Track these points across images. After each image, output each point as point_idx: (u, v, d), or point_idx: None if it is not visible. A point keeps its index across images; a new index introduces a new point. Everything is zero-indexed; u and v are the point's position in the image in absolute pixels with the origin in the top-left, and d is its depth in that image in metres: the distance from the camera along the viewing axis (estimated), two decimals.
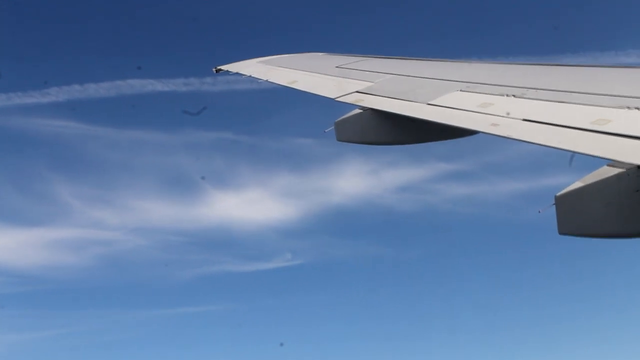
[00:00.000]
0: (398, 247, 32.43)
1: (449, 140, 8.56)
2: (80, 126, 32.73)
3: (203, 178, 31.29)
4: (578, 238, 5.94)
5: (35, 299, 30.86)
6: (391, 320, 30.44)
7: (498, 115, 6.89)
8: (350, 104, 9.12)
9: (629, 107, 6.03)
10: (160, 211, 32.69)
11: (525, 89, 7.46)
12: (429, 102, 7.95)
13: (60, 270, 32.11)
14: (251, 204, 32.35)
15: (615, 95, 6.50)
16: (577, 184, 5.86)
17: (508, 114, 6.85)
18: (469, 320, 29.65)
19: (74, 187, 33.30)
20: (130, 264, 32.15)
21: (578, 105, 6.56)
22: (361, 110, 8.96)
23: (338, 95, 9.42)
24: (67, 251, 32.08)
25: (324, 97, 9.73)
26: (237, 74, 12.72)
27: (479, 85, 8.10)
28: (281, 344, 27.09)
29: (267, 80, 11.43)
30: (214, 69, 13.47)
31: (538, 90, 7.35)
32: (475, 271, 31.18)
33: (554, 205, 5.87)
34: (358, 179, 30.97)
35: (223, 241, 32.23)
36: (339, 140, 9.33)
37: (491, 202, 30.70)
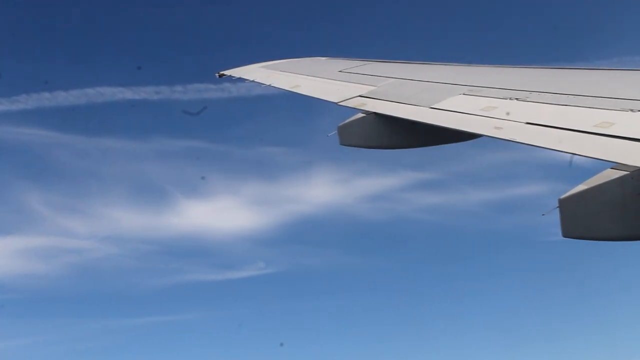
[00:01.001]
0: (368, 256, 32.39)
1: (452, 144, 8.57)
2: (49, 134, 32.45)
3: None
4: (580, 240, 5.94)
5: (5, 307, 30.16)
6: (362, 329, 30.37)
7: (501, 119, 6.89)
8: (353, 108, 9.12)
9: (632, 110, 6.03)
10: (131, 220, 32.41)
11: (529, 92, 7.46)
12: (432, 106, 7.95)
13: (31, 279, 31.61)
14: (221, 212, 32.15)
15: (618, 98, 6.50)
16: (581, 187, 5.86)
17: (511, 117, 6.85)
18: (440, 328, 29.66)
19: (43, 196, 32.87)
20: (102, 273, 31.89)
21: (581, 108, 6.55)
22: (364, 115, 8.97)
23: (341, 100, 9.43)
24: (37, 260, 31.68)
25: (327, 101, 9.74)
26: (240, 79, 12.75)
27: (482, 88, 8.10)
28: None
29: (270, 85, 11.45)
30: (217, 74, 13.49)
31: (541, 94, 7.35)
32: (445, 280, 31.21)
33: (558, 209, 5.86)
34: (328, 188, 30.87)
35: (194, 250, 32.12)
36: (343, 144, 9.33)
37: (462, 211, 30.86)
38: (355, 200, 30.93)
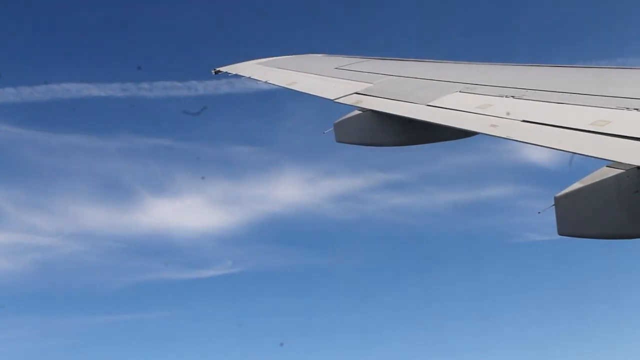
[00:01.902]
0: (335, 256, 32.37)
1: (448, 142, 8.58)
2: (13, 130, 31.89)
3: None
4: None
5: None
6: (329, 330, 30.29)
7: (497, 117, 6.89)
8: (349, 105, 9.12)
9: (628, 108, 6.04)
10: (97, 217, 32.06)
11: (525, 90, 7.47)
12: (429, 103, 7.95)
13: None
14: (188, 211, 32.00)
15: (614, 97, 6.51)
16: (577, 185, 5.87)
17: (508, 114, 6.85)
18: (406, 329, 29.69)
19: (7, 192, 32.11)
20: (67, 270, 31.42)
21: (577, 106, 6.56)
22: (360, 112, 8.97)
23: (337, 97, 9.42)
24: (1, 257, 31.17)
25: (323, 98, 9.74)
26: (236, 75, 12.73)
27: (479, 86, 8.10)
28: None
29: (266, 82, 11.43)
30: (213, 71, 13.47)
31: (537, 91, 7.36)
32: (412, 281, 31.26)
33: (554, 206, 5.87)
34: (295, 188, 30.91)
35: (161, 248, 31.62)
36: (339, 141, 9.33)
37: (429, 213, 30.88)
38: (322, 200, 31.04)
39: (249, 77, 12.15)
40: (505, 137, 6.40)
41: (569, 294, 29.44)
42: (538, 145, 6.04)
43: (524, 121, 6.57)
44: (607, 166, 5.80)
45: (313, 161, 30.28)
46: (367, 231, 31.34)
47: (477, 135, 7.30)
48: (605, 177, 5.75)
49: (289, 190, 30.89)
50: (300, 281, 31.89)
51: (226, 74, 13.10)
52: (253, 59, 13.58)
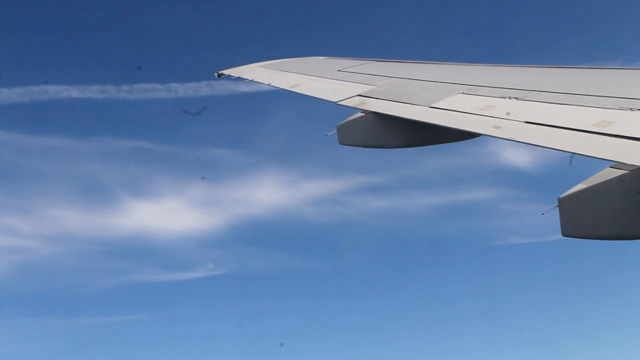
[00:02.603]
0: (315, 259, 32.41)
1: (451, 143, 8.57)
2: None
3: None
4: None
5: None
6: (311, 333, 30.54)
7: (500, 118, 6.89)
8: (352, 107, 9.12)
9: (631, 109, 6.03)
10: (76, 219, 32.05)
11: (528, 91, 7.46)
12: (431, 105, 7.95)
13: None
14: (168, 213, 31.96)
15: (617, 97, 6.50)
16: (580, 186, 5.85)
17: (510, 116, 6.85)
18: (387, 332, 29.68)
19: None
20: (47, 272, 31.31)
21: (580, 107, 6.55)
22: (363, 114, 8.96)
23: (340, 99, 9.42)
24: None
25: (326, 100, 9.74)
26: (239, 78, 12.75)
27: (481, 87, 8.10)
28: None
29: (269, 85, 11.45)
30: (215, 74, 13.49)
31: (540, 92, 7.35)
32: (393, 284, 31.24)
33: (557, 208, 5.86)
34: (276, 190, 30.94)
35: (141, 250, 31.70)
36: (342, 144, 9.33)
37: (409, 216, 30.89)
38: (303, 202, 31.08)
39: (252, 80, 12.17)
40: (508, 138, 6.39)
41: (560, 296, 29.50)
42: (541, 146, 6.03)
43: (526, 122, 6.56)
44: (610, 167, 5.78)
45: (293, 164, 30.44)
46: (348, 234, 31.47)
47: (480, 137, 7.30)
48: (608, 178, 5.74)
49: (270, 193, 31.06)
50: (282, 283, 31.96)
51: (229, 77, 13.13)
52: (245, 60, 13.66)
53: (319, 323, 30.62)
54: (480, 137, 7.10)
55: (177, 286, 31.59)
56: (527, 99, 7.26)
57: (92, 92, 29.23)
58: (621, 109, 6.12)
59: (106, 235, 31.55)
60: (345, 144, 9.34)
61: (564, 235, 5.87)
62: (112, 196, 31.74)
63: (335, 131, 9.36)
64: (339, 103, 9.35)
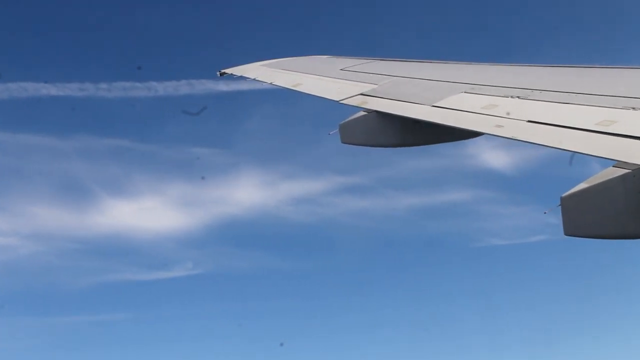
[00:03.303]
0: (294, 259, 32.43)
1: (453, 142, 8.57)
2: None
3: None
4: (583, 239, 5.94)
5: None
6: (290, 332, 30.33)
7: (503, 117, 6.89)
8: (354, 106, 9.12)
9: (634, 108, 6.02)
10: (55, 218, 31.93)
11: (530, 90, 7.46)
12: (434, 104, 7.95)
13: None
14: (147, 212, 31.82)
15: (620, 96, 6.49)
16: (583, 185, 5.85)
17: (513, 115, 6.84)
18: (365, 333, 29.64)
19: None
20: (26, 271, 31.29)
21: (583, 106, 6.55)
22: (365, 113, 8.97)
23: (342, 98, 9.42)
24: None
25: (328, 99, 9.74)
26: (241, 77, 12.75)
27: (484, 86, 8.09)
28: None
29: (271, 84, 11.45)
30: (218, 73, 13.49)
31: (543, 92, 7.34)
32: (372, 285, 31.21)
33: (560, 207, 5.86)
34: (255, 190, 30.90)
35: (120, 249, 31.65)
36: (344, 142, 9.33)
37: (388, 216, 30.90)
38: (282, 202, 31.03)
39: (254, 79, 12.17)
40: (510, 137, 6.39)
41: (542, 296, 29.50)
42: (544, 145, 6.03)
43: (529, 121, 6.56)
44: (613, 166, 5.78)
45: (273, 163, 30.46)
46: (327, 234, 31.52)
47: (482, 136, 7.30)
48: (611, 177, 5.74)
49: (249, 193, 30.99)
50: (261, 283, 31.93)
51: (231, 76, 13.12)
52: (245, 60, 13.62)
53: (298, 323, 30.67)
54: (483, 136, 7.10)
55: (156, 285, 31.65)
56: (529, 98, 7.26)
57: (70, 89, 29.18)
58: (624, 108, 6.12)
59: (85, 234, 31.61)
60: (347, 143, 9.34)
61: (566, 234, 5.87)
62: (91, 195, 31.68)
63: (337, 130, 9.36)
64: (341, 102, 9.35)
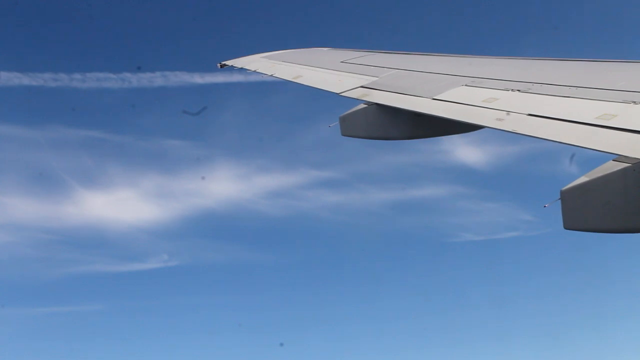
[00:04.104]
0: (269, 251, 32.47)
1: (453, 135, 8.58)
2: None
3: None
4: (583, 232, 5.95)
5: None
6: (263, 325, 30.47)
7: (503, 110, 6.89)
8: (355, 98, 9.12)
9: (634, 102, 6.03)
10: (27, 208, 31.69)
11: (531, 84, 7.46)
12: (434, 97, 7.95)
13: None
14: (121, 204, 31.87)
15: (621, 90, 6.50)
16: (583, 179, 5.87)
17: (513, 108, 6.85)
18: (339, 326, 29.79)
19: None
20: None
21: (583, 100, 6.55)
22: (366, 105, 8.97)
23: (343, 90, 9.42)
24: None
25: (328, 91, 9.74)
26: (242, 69, 12.74)
27: (484, 80, 8.09)
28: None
29: (272, 75, 11.43)
30: (218, 64, 13.48)
31: (543, 85, 7.35)
32: (346, 278, 31.29)
33: (560, 200, 5.87)
34: (229, 183, 30.88)
35: (94, 240, 31.66)
36: (344, 135, 9.33)
37: (363, 211, 31.00)
38: (256, 196, 31.06)
39: (255, 71, 12.15)
40: (511, 130, 6.40)
41: (519, 291, 29.62)
42: (544, 139, 6.04)
43: (529, 115, 6.57)
44: (613, 160, 5.80)
45: (246, 157, 30.47)
46: (302, 228, 31.55)
47: (482, 129, 7.30)
48: (611, 171, 5.75)
49: (223, 185, 30.97)
50: (236, 276, 31.97)
51: (232, 67, 13.11)
52: (245, 51, 13.61)
53: (271, 315, 30.69)
54: (484, 129, 7.11)
55: (131, 277, 31.61)
56: (530, 91, 7.26)
57: (44, 79, 29.04)
58: (624, 102, 6.12)
59: (58, 225, 31.42)
60: (347, 136, 9.34)
61: (566, 227, 5.89)
62: (65, 186, 31.55)
63: (337, 122, 9.36)
64: (341, 94, 9.35)
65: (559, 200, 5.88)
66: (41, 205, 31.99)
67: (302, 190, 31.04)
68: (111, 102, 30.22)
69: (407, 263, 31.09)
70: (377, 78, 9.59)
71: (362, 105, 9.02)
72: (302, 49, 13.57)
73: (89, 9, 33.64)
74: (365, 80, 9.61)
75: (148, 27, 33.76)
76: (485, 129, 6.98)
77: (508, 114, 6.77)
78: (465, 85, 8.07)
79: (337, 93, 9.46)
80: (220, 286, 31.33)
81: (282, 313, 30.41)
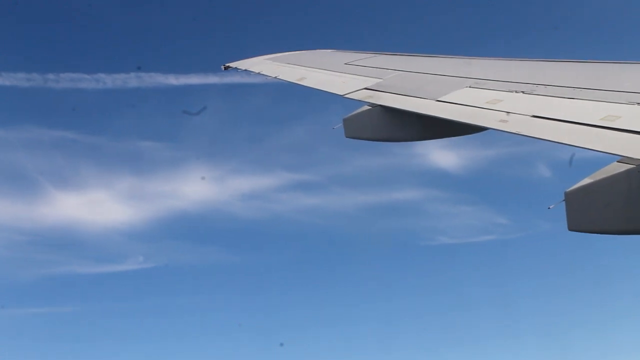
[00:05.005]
0: (244, 253, 32.42)
1: (457, 137, 8.58)
2: None
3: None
4: (587, 234, 5.94)
5: None
6: (236, 327, 30.43)
7: (507, 112, 6.89)
8: (359, 100, 9.13)
9: (638, 103, 6.02)
10: (0, 209, 31.59)
11: (534, 85, 7.46)
12: (438, 99, 7.96)
13: None
14: (95, 205, 31.79)
15: (624, 92, 6.49)
16: (587, 181, 5.86)
17: (517, 110, 6.85)
18: (313, 329, 29.83)
19: None
20: None
21: (587, 102, 6.55)
22: (370, 107, 8.97)
23: (347, 92, 9.43)
24: None
25: (332, 93, 9.75)
26: (245, 71, 12.76)
27: (488, 81, 8.10)
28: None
29: (276, 77, 11.45)
30: (222, 66, 13.50)
31: (547, 87, 7.34)
32: (322, 281, 31.27)
33: (564, 202, 5.86)
34: (203, 185, 30.83)
35: (68, 242, 31.46)
36: (348, 137, 9.34)
37: (338, 214, 31.01)
38: (231, 198, 31.12)
39: (259, 73, 12.18)
40: (515, 132, 6.40)
41: (494, 295, 29.54)
42: (548, 140, 6.04)
43: (533, 116, 6.56)
44: (617, 161, 5.79)
45: (220, 159, 30.42)
46: (276, 231, 31.58)
47: (487, 131, 7.30)
48: (615, 172, 5.74)
49: (197, 187, 30.96)
50: (211, 278, 31.95)
51: (236, 69, 13.14)
52: (246, 54, 13.63)
53: (246, 317, 30.66)
54: (488, 130, 7.11)
55: (106, 278, 31.55)
56: (534, 93, 7.26)
57: (17, 79, 29.02)
58: (629, 103, 6.12)
59: (31, 226, 31.37)
60: (351, 137, 9.35)
61: (570, 229, 5.88)
62: (38, 186, 31.46)
63: (341, 124, 9.37)
64: (346, 96, 9.36)
65: (563, 202, 5.88)
66: (14, 205, 31.96)
67: (276, 192, 31.23)
68: (84, 103, 30.22)
69: (382, 266, 31.09)
70: (381, 80, 9.59)
71: (366, 107, 9.03)
72: (306, 51, 13.59)
73: (66, 8, 33.80)
74: (370, 82, 9.62)
75: (134, 28, 33.74)
76: (490, 130, 6.98)
77: (512, 115, 6.77)
78: (469, 86, 8.07)
79: (341, 95, 9.47)
80: (197, 288, 31.47)
81: (254, 314, 30.58)
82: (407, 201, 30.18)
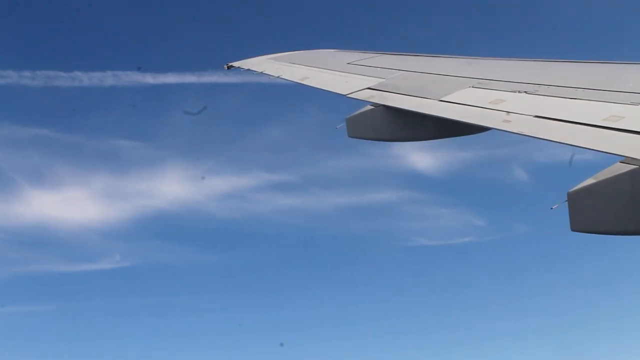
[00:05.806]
0: (220, 253, 32.39)
1: (460, 137, 8.57)
2: None
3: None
4: (589, 234, 5.94)
5: None
6: (212, 328, 30.48)
7: (510, 112, 6.88)
8: (361, 100, 9.13)
9: None
10: None
11: (538, 86, 7.45)
12: (441, 99, 7.95)
13: None
14: (70, 203, 31.65)
15: (628, 92, 6.48)
16: (590, 181, 5.85)
17: (520, 110, 6.84)
18: (291, 330, 29.82)
19: None
20: None
21: (591, 102, 6.54)
22: (373, 107, 8.97)
23: (349, 92, 9.43)
24: None
25: (335, 93, 9.75)
26: (248, 70, 12.77)
27: (491, 81, 8.09)
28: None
29: (279, 77, 11.46)
30: (225, 66, 13.51)
31: (550, 87, 7.34)
32: (299, 282, 31.27)
33: (567, 202, 5.86)
34: (180, 184, 30.87)
35: (43, 240, 31.32)
36: (350, 136, 9.34)
37: (316, 215, 30.95)
38: (207, 197, 31.01)
39: (262, 73, 12.18)
40: (517, 132, 6.39)
41: (474, 296, 29.51)
42: (551, 141, 6.03)
43: (536, 117, 6.56)
44: (620, 162, 5.78)
45: (197, 158, 30.35)
46: (253, 231, 31.58)
47: (489, 131, 7.30)
48: (618, 172, 5.73)
49: (174, 187, 31.01)
50: (188, 277, 31.99)
51: (239, 69, 13.15)
52: (247, 53, 13.63)
53: (222, 318, 30.69)
54: (491, 130, 7.10)
55: (82, 277, 31.54)
56: (537, 93, 7.25)
57: None
58: (632, 103, 6.11)
59: (6, 224, 31.20)
60: (354, 137, 9.34)
61: (573, 230, 5.87)
62: (13, 184, 31.30)
63: (344, 124, 9.37)
64: (348, 96, 9.36)
65: (566, 203, 5.87)
66: None
67: (253, 192, 31.24)
68: (61, 101, 30.16)
69: (360, 266, 31.08)
70: (384, 80, 9.59)
71: (369, 107, 9.03)
72: (309, 51, 13.59)
73: (39, 5, 33.52)
74: (372, 81, 9.62)
75: (111, 26, 33.66)
76: (493, 130, 6.97)
77: (515, 115, 6.76)
78: (472, 86, 8.07)
79: (344, 94, 9.47)
80: (174, 287, 31.49)
81: (231, 314, 30.49)
82: (385, 202, 30.31)
